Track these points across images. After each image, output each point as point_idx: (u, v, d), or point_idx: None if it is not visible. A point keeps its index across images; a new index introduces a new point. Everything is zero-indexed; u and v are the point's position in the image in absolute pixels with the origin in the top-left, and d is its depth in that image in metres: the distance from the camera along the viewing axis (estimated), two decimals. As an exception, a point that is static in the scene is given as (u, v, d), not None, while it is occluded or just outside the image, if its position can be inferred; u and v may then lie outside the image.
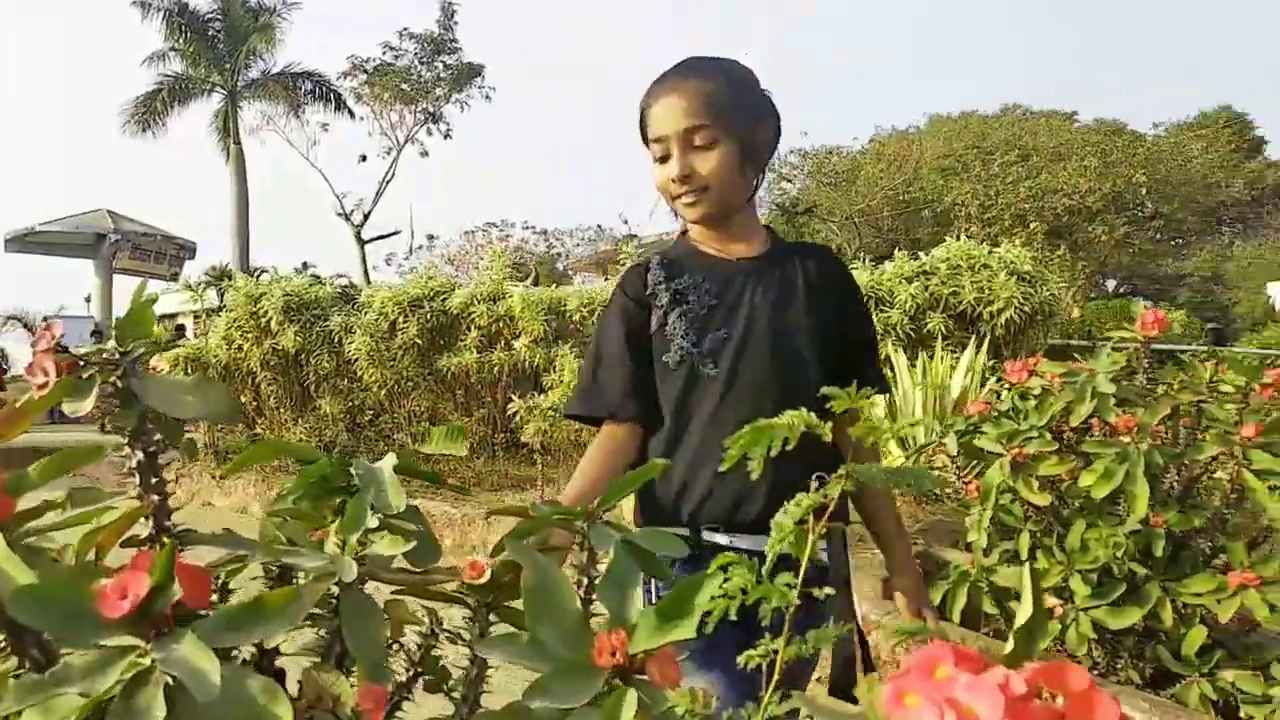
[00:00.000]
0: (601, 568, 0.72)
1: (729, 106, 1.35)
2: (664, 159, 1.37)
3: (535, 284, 7.88)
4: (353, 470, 0.74)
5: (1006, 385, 2.73)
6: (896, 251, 6.14)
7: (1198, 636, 2.15)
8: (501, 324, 6.22)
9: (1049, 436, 2.40)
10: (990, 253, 5.72)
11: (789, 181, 22.54)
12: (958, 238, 6.06)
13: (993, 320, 5.49)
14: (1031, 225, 12.70)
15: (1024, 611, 0.53)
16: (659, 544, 0.75)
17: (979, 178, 14.38)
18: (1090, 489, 2.25)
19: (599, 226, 30.66)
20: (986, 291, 5.51)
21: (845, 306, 1.46)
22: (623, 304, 1.42)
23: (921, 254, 5.91)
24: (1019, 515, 2.49)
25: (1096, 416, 2.32)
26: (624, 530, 0.78)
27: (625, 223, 23.93)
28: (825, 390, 0.75)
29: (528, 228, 31.64)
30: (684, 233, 1.49)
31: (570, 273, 26.72)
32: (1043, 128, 16.66)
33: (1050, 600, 2.40)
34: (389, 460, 0.76)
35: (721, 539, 1.32)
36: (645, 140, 1.41)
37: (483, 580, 0.77)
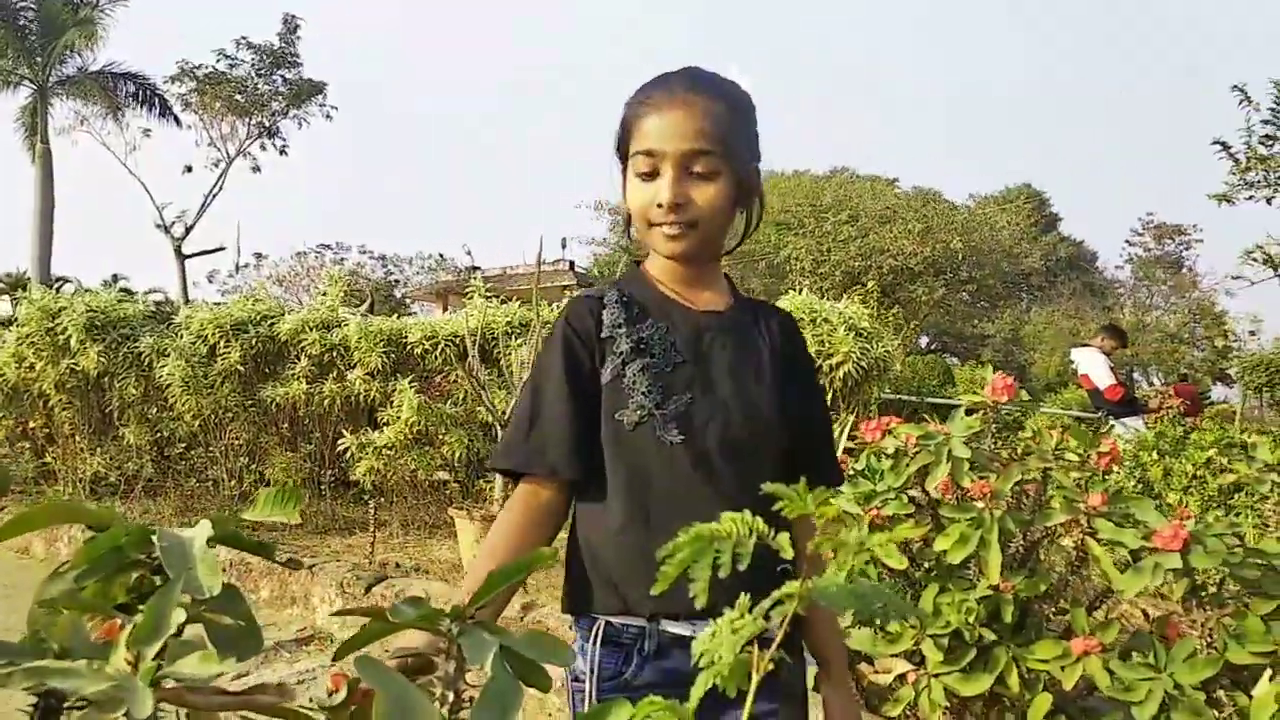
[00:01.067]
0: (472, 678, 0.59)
1: (736, 137, 1.20)
2: (650, 176, 1.18)
3: (371, 311, 7.50)
4: (156, 542, 0.56)
5: (860, 444, 2.73)
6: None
7: (1044, 703, 2.17)
8: (335, 354, 5.84)
9: (904, 500, 2.41)
10: (832, 307, 5.89)
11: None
12: (797, 290, 6.23)
13: (832, 373, 5.63)
14: (869, 284, 13.38)
15: None
16: (545, 652, 0.60)
17: (813, 234, 15.06)
18: (946, 553, 2.26)
19: (440, 255, 30.05)
20: (827, 345, 5.65)
21: (808, 381, 1.34)
22: (569, 342, 1.20)
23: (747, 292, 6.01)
24: (874, 578, 2.48)
25: (947, 479, 2.35)
26: (502, 634, 0.63)
27: (469, 254, 23.54)
28: (770, 488, 0.64)
29: (365, 252, 30.59)
30: (637, 263, 1.31)
31: (408, 301, 25.99)
32: (868, 191, 17.65)
33: (903, 665, 2.39)
34: (203, 529, 0.60)
35: (683, 629, 1.15)
36: (623, 147, 1.23)
37: (337, 699, 0.62)
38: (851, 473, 2.61)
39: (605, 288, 1.25)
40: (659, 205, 1.17)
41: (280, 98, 23.32)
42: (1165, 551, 1.95)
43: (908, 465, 2.42)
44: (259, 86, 23.03)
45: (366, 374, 5.72)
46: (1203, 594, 2.04)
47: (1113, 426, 6.92)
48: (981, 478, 2.32)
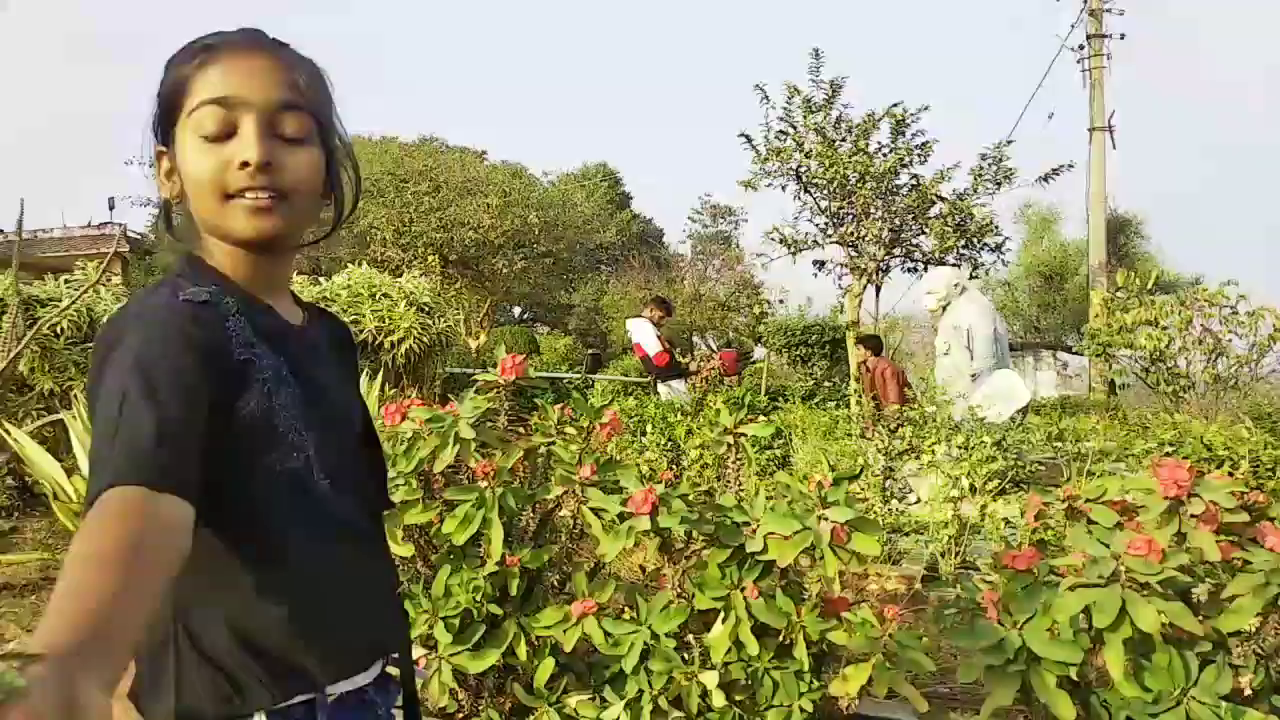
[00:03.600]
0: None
1: (326, 102, 1.01)
2: (220, 138, 0.92)
3: None
4: None
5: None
6: (295, 275, 5.84)
7: (547, 668, 2.27)
8: None
9: (415, 484, 2.36)
10: (393, 282, 5.75)
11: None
12: (378, 261, 6.00)
13: (394, 350, 5.50)
14: (430, 258, 13.35)
15: None
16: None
17: (393, 204, 14.69)
18: (452, 536, 2.25)
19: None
20: (388, 321, 5.50)
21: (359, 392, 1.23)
22: (198, 350, 0.87)
23: (322, 279, 5.71)
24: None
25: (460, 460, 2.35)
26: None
27: (-23, 213, 19.51)
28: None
29: None
30: (194, 257, 1.00)
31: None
32: (457, 161, 17.65)
33: (419, 651, 2.36)
34: None
35: (355, 682, 1.02)
36: (169, 114, 0.96)
37: None
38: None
39: (203, 290, 0.93)
40: (243, 165, 0.92)
41: None
42: (638, 515, 2.11)
43: (419, 449, 2.38)
44: None
45: None
46: (675, 548, 2.24)
47: (658, 390, 7.63)
48: (489, 458, 2.35)
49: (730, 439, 2.40)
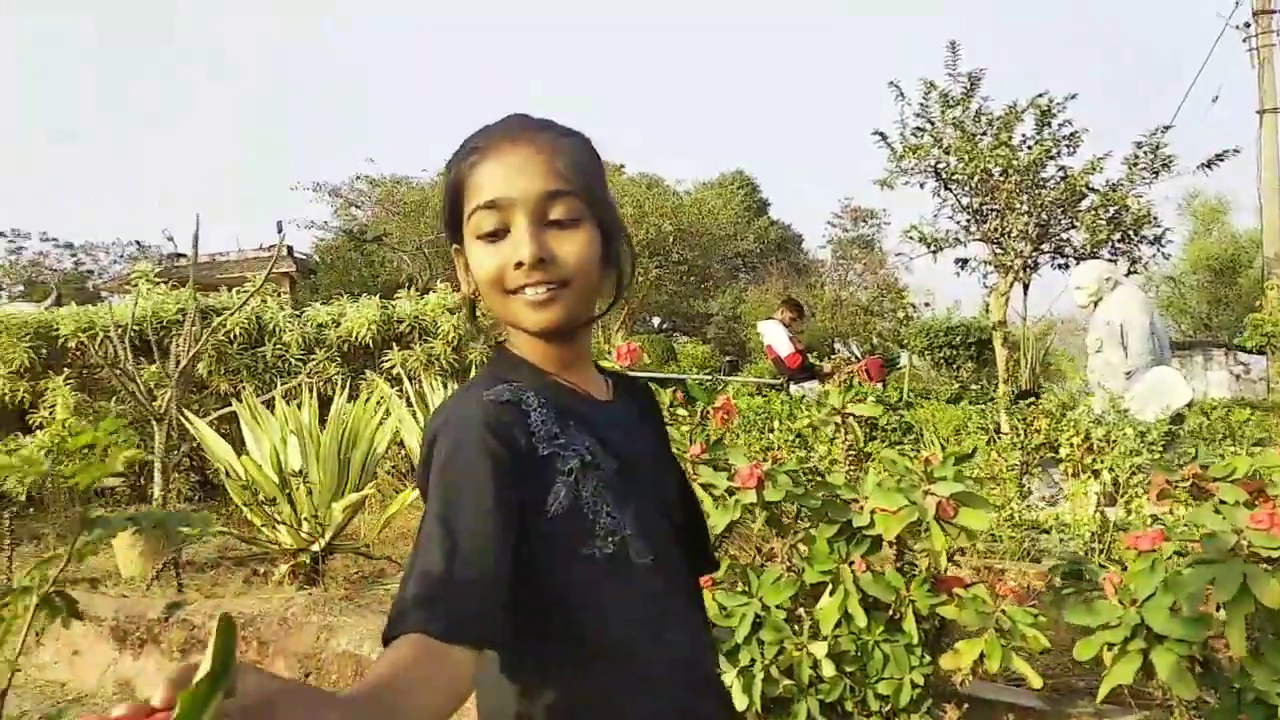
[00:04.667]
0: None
1: (593, 176, 1.01)
2: (496, 236, 0.96)
3: (58, 305, 6.69)
4: None
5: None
6: (439, 283, 6.21)
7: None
8: (-33, 352, 5.14)
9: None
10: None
11: (357, 208, 22.04)
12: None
13: (531, 351, 5.75)
14: None
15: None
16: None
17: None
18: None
19: (139, 242, 27.39)
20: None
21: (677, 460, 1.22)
22: (500, 463, 0.88)
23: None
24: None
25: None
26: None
27: (170, 240, 21.58)
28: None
29: (48, 239, 27.31)
30: (501, 343, 1.06)
31: (105, 294, 23.47)
32: (594, 177, 18.10)
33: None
34: None
35: None
36: (454, 218, 1.00)
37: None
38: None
39: (505, 388, 0.95)
40: (517, 265, 0.94)
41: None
42: (744, 489, 2.19)
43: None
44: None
45: (11, 372, 5.09)
46: (783, 523, 2.31)
47: (789, 392, 7.62)
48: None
49: (838, 418, 2.44)
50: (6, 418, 5.26)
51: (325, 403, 4.35)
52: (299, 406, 3.81)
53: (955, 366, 13.62)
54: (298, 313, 6.19)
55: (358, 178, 21.23)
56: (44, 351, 5.23)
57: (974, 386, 12.53)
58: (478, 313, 1.13)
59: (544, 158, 0.96)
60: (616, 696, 0.94)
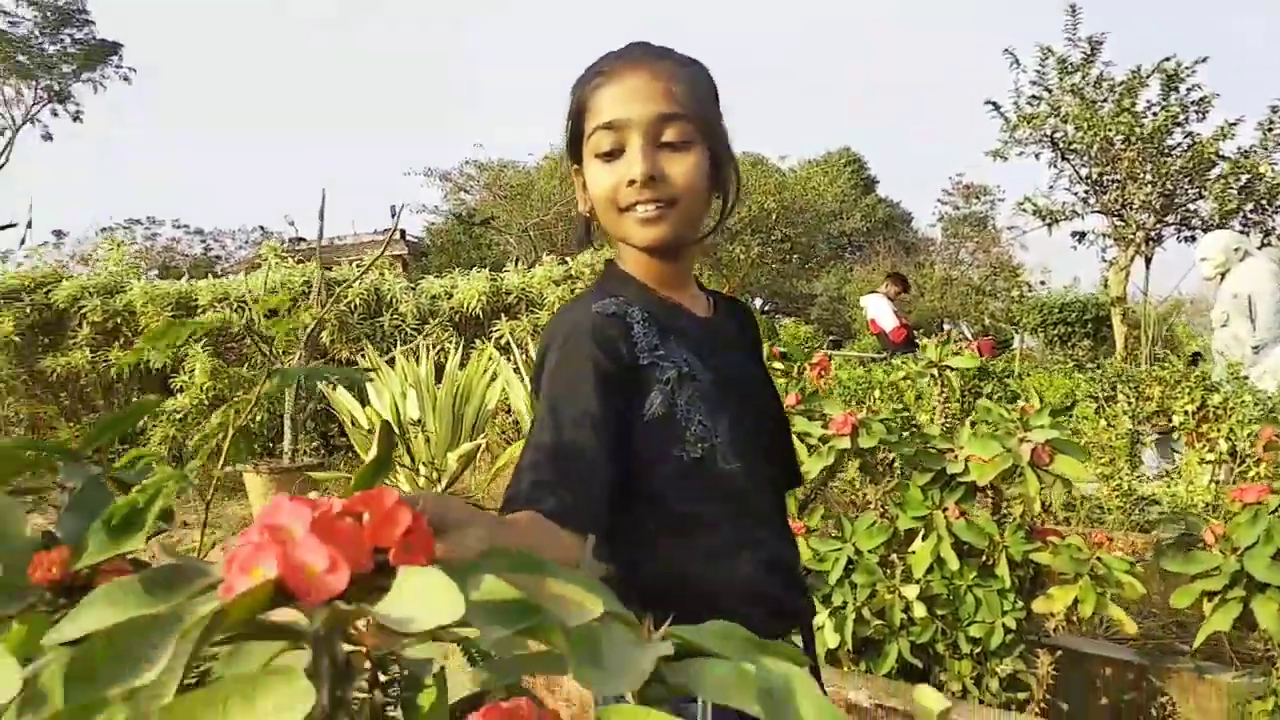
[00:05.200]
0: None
1: (707, 104, 1.07)
2: (612, 155, 1.03)
3: None
4: None
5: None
6: (545, 255, 6.40)
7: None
8: (120, 320, 5.61)
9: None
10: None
11: (466, 192, 22.62)
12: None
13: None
14: None
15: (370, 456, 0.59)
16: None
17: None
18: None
19: (262, 228, 28.82)
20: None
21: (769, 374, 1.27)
22: (604, 371, 0.97)
23: (569, 259, 6.21)
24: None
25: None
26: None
27: (292, 225, 22.69)
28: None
29: (180, 226, 28.97)
30: (610, 263, 1.14)
31: (231, 275, 24.82)
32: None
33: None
34: None
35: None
36: (575, 138, 1.08)
37: None
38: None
39: (611, 301, 1.02)
40: (630, 182, 1.01)
41: (70, 58, 21.56)
42: (839, 435, 2.24)
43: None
44: (45, 46, 21.21)
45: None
46: (877, 471, 2.36)
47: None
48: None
49: (935, 371, 2.47)
50: (151, 382, 5.72)
51: (439, 370, 4.60)
52: (417, 363, 4.05)
53: (1071, 345, 13.12)
54: (412, 285, 6.50)
55: (466, 162, 21.80)
56: (182, 320, 5.64)
57: (1090, 365, 12.07)
58: (592, 231, 1.17)
59: (660, 83, 1.02)
60: (706, 580, 1.02)
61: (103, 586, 0.39)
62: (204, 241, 30.32)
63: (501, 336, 6.13)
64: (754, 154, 20.51)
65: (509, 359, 5.13)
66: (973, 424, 2.28)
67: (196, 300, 5.64)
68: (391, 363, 4.18)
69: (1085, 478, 2.14)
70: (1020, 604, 2.17)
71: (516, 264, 6.76)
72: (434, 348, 5.26)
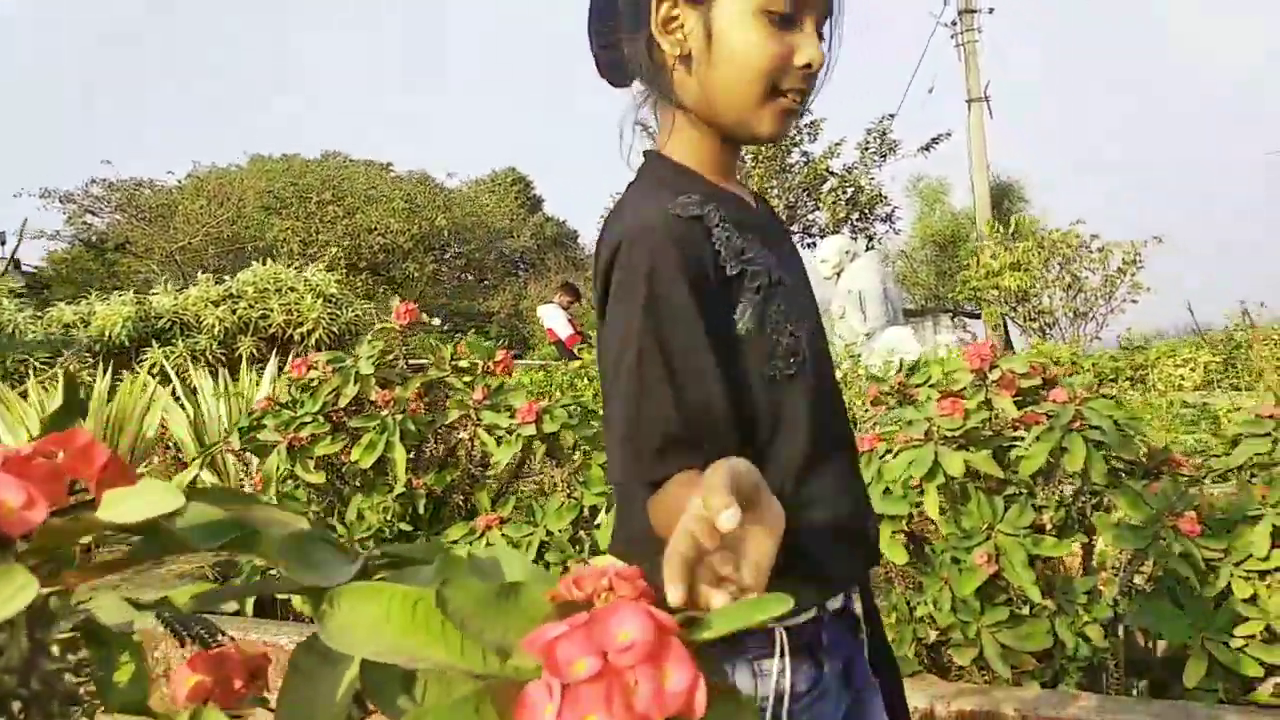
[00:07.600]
0: None
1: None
2: (786, 23, 0.85)
3: None
4: None
5: (289, 381, 2.85)
6: (200, 275, 5.94)
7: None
8: None
9: (322, 420, 2.58)
10: (298, 276, 5.88)
11: (94, 215, 20.12)
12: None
13: (304, 341, 5.63)
14: (333, 252, 13.42)
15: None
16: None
17: (298, 215, 14.65)
18: (359, 461, 2.48)
19: None
20: (295, 314, 5.63)
21: None
22: (699, 289, 0.82)
23: (227, 278, 5.82)
24: (302, 499, 2.62)
25: (363, 397, 2.57)
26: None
27: None
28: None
29: None
30: (655, 155, 0.95)
31: None
32: (361, 174, 17.64)
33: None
34: None
35: (837, 603, 0.93)
36: None
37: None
38: (277, 406, 2.71)
39: (688, 200, 0.86)
40: (804, 66, 0.86)
41: None
42: (524, 423, 2.37)
43: (324, 389, 2.59)
44: None
45: None
46: (563, 453, 2.51)
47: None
48: (388, 391, 2.58)
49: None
50: None
51: (84, 404, 4.07)
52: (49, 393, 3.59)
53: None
54: (39, 314, 5.69)
55: (93, 181, 19.41)
56: None
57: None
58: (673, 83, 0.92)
59: None
60: (801, 513, 0.86)
61: None
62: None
63: (154, 365, 5.57)
64: (419, 172, 20.34)
65: (170, 388, 4.69)
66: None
67: None
68: (25, 395, 3.67)
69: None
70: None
71: (166, 285, 6.17)
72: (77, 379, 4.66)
